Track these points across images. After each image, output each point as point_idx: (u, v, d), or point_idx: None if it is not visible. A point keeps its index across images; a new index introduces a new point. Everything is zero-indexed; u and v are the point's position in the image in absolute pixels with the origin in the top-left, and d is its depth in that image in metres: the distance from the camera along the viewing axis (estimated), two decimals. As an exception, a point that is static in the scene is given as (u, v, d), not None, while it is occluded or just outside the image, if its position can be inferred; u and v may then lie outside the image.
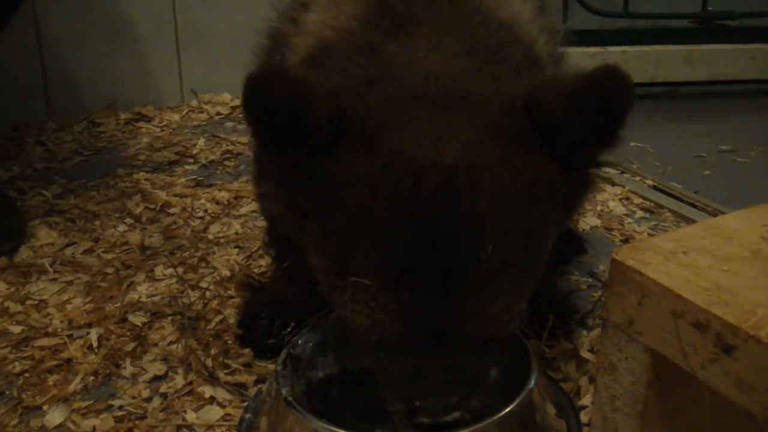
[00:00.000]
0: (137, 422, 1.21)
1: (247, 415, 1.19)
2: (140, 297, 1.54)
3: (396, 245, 0.90)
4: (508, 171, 0.93)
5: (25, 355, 1.37)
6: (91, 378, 1.32)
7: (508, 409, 1.04)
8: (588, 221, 1.89)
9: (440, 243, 0.90)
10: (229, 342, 1.39)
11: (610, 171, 2.19)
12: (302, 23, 1.22)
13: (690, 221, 1.90)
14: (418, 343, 0.95)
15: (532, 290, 1.02)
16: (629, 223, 1.91)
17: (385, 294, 0.92)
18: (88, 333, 1.42)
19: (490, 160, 0.93)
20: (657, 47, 2.87)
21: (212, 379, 1.29)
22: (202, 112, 2.69)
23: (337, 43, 1.11)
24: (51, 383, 1.30)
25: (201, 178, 2.14)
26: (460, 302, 0.92)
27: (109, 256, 1.71)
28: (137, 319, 1.46)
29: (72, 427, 1.21)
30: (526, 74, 1.08)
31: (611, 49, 2.81)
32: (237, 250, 1.74)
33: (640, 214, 1.97)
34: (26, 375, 1.32)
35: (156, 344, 1.40)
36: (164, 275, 1.63)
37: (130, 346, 1.39)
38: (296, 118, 0.92)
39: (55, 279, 1.61)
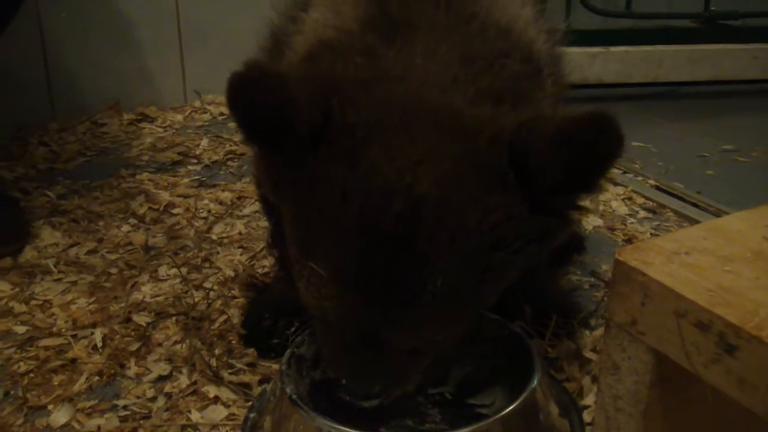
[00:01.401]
0: (142, 422, 1.22)
1: (252, 415, 1.19)
2: (144, 297, 1.55)
3: (352, 252, 0.94)
4: (478, 210, 0.94)
5: (30, 355, 1.38)
6: (96, 378, 1.32)
7: (511, 408, 1.04)
8: (590, 221, 1.89)
9: (393, 264, 0.92)
10: (233, 342, 1.39)
11: (612, 171, 2.19)
12: (302, 22, 1.22)
13: (692, 221, 1.91)
14: (351, 335, 1.00)
15: (476, 319, 1.07)
16: (632, 223, 1.91)
17: (333, 288, 0.96)
18: (92, 333, 1.43)
19: (462, 196, 0.94)
20: (659, 47, 2.87)
21: (216, 379, 1.29)
22: (205, 113, 2.70)
23: (337, 41, 1.12)
24: (56, 383, 1.31)
25: (204, 179, 2.14)
26: (397, 317, 0.96)
27: (113, 257, 1.71)
28: (141, 319, 1.47)
29: (77, 426, 1.21)
30: (523, 84, 1.08)
31: (613, 49, 2.81)
32: (240, 250, 1.74)
33: (642, 214, 1.97)
34: (31, 375, 1.33)
35: (160, 344, 1.40)
36: (168, 275, 1.63)
37: (134, 346, 1.39)
38: (278, 119, 0.94)
39: (59, 279, 1.62)
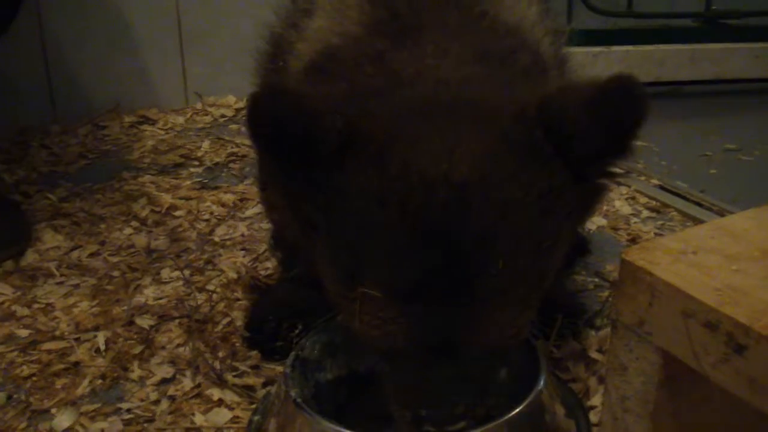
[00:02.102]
0: (145, 425, 1.22)
1: (256, 417, 1.19)
2: (147, 300, 1.54)
3: (406, 259, 0.90)
4: (520, 184, 0.92)
5: (33, 358, 1.37)
6: (99, 381, 1.32)
7: (517, 410, 1.04)
8: (594, 221, 1.88)
9: (451, 257, 0.89)
10: (237, 344, 1.39)
11: (615, 170, 2.18)
12: (304, 29, 1.21)
13: (696, 220, 1.90)
14: (426, 354, 0.94)
15: (540, 300, 1.01)
16: (635, 222, 1.91)
17: (395, 306, 0.91)
18: (95, 336, 1.42)
19: (502, 173, 0.92)
20: (661, 46, 2.87)
21: (220, 382, 1.29)
22: (207, 115, 2.69)
23: (343, 50, 1.10)
24: (59, 386, 1.31)
25: (206, 181, 2.14)
26: (470, 315, 0.92)
27: (115, 259, 1.71)
28: (144, 322, 1.47)
29: (80, 430, 1.21)
30: (535, 79, 1.08)
31: (615, 48, 2.80)
32: (243, 252, 1.74)
33: (646, 213, 1.96)
34: (34, 378, 1.32)
35: (163, 347, 1.40)
36: (171, 278, 1.63)
37: (137, 349, 1.39)
38: (302, 137, 0.91)
39: (61, 282, 1.62)
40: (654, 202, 2.02)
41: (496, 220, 0.90)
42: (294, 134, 0.91)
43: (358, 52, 1.08)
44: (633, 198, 2.05)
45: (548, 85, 1.10)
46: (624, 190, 2.09)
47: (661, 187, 2.11)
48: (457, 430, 0.99)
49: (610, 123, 0.92)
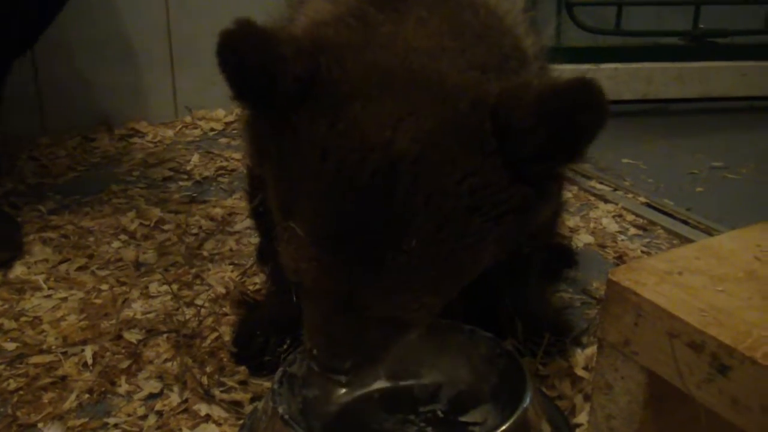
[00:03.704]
0: (133, 440, 1.22)
1: (243, 433, 1.19)
2: (135, 314, 1.54)
3: (330, 210, 0.95)
4: (456, 172, 0.94)
5: (20, 372, 1.37)
6: (86, 395, 1.31)
7: (503, 427, 1.04)
8: (581, 238, 1.89)
9: (369, 221, 0.93)
10: (225, 359, 1.39)
11: (603, 188, 2.20)
12: (304, 6, 1.24)
13: (683, 238, 1.91)
14: (331, 300, 1.00)
15: (454, 292, 1.06)
16: (622, 240, 1.92)
17: (311, 249, 0.97)
18: (82, 350, 1.42)
19: (441, 156, 0.94)
20: (649, 64, 2.89)
21: (208, 397, 1.29)
22: (196, 128, 2.70)
23: (333, 11, 1.12)
24: (46, 401, 1.30)
25: (195, 195, 2.14)
26: (372, 280, 0.96)
27: (103, 273, 1.71)
28: (132, 336, 1.46)
29: (67, 445, 1.21)
30: (509, 70, 1.08)
31: (603, 66, 2.82)
32: (232, 266, 1.74)
33: (633, 231, 1.97)
34: (21, 392, 1.32)
35: (151, 362, 1.40)
36: (159, 292, 1.63)
37: (125, 364, 1.39)
38: (265, 76, 0.96)
39: (49, 295, 1.61)
40: (641, 220, 2.03)
41: (421, 201, 0.93)
42: (256, 73, 0.96)
43: (346, 13, 1.10)
44: (620, 215, 2.06)
45: (528, 69, 1.12)
46: (611, 207, 2.10)
47: (648, 205, 2.12)
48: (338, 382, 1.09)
49: (557, 124, 0.91)
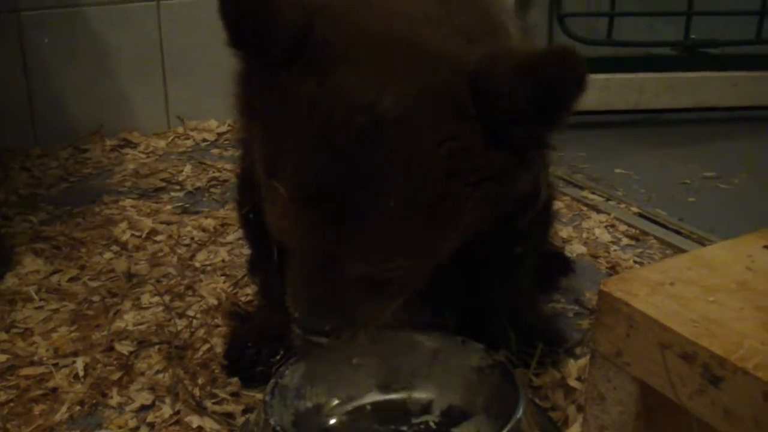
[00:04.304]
0: (124, 453, 1.21)
1: (235, 445, 1.19)
2: (127, 325, 1.54)
3: (312, 169, 0.98)
4: (436, 135, 0.98)
5: (11, 384, 1.36)
6: (78, 408, 1.31)
7: (496, 439, 1.04)
8: (574, 249, 1.89)
9: (350, 179, 0.97)
10: (217, 371, 1.39)
11: (595, 198, 2.20)
12: None
13: (675, 248, 1.91)
14: (312, 258, 1.03)
15: (428, 264, 1.09)
16: (615, 250, 1.92)
17: (293, 207, 1.00)
18: (74, 362, 1.42)
19: (422, 119, 0.98)
20: (640, 75, 2.89)
21: (200, 409, 1.28)
22: (188, 139, 2.69)
23: None
24: (37, 413, 1.30)
25: (187, 205, 2.13)
26: (351, 237, 0.99)
27: (95, 284, 1.70)
28: (124, 347, 1.46)
29: (58, 457, 1.20)
30: (497, 33, 1.13)
31: (595, 76, 2.82)
32: (224, 278, 1.73)
33: (625, 241, 1.97)
34: (11, 405, 1.31)
35: (143, 373, 1.39)
36: (151, 303, 1.62)
37: (116, 375, 1.38)
38: (262, 28, 1.00)
39: (40, 307, 1.61)
40: (633, 230, 2.03)
41: (401, 160, 0.97)
42: (254, 25, 1.00)
43: None
44: (612, 226, 2.06)
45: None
46: (604, 217, 2.10)
47: (641, 215, 2.12)
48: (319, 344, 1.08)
49: (537, 89, 0.95)
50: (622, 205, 2.18)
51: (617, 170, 2.47)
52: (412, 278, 1.08)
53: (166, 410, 1.29)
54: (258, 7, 1.00)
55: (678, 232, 2.02)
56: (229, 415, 1.27)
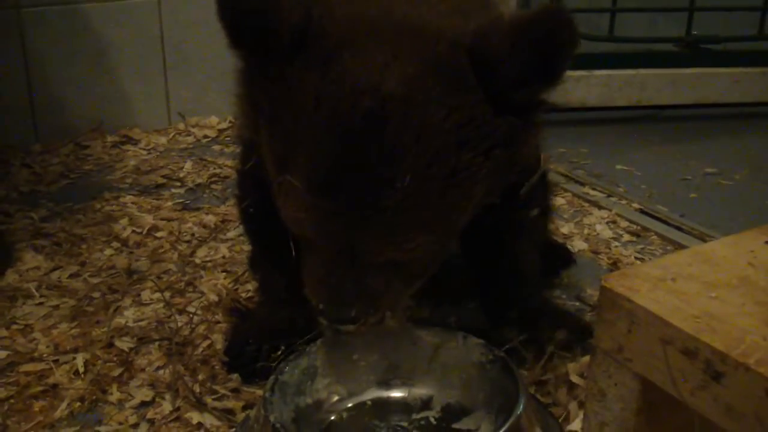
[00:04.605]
0: (124, 449, 1.21)
1: (235, 442, 1.18)
2: (127, 322, 1.54)
3: (324, 157, 1.00)
4: (441, 110, 1.00)
5: (11, 380, 1.36)
6: (78, 404, 1.31)
7: (497, 435, 1.04)
8: (575, 245, 1.89)
9: (363, 163, 0.98)
10: (217, 367, 1.38)
11: (596, 194, 2.19)
12: None
13: (676, 244, 1.91)
14: (330, 248, 1.05)
15: (447, 239, 1.12)
16: (616, 246, 1.91)
17: (308, 198, 1.01)
18: (74, 358, 1.41)
19: (426, 96, 1.00)
20: (642, 71, 2.88)
21: (200, 405, 1.28)
22: (189, 135, 2.68)
23: None
24: (37, 409, 1.30)
25: (188, 202, 2.13)
26: (370, 220, 1.00)
27: (95, 280, 1.70)
28: (124, 344, 1.46)
29: (58, 454, 1.20)
30: (491, 9, 1.16)
31: (596, 72, 2.82)
32: (224, 274, 1.73)
33: (626, 237, 1.97)
34: (11, 401, 1.31)
35: (143, 369, 1.39)
36: (151, 300, 1.62)
37: (116, 372, 1.38)
38: (262, 25, 1.02)
39: (41, 303, 1.60)
40: (634, 226, 2.02)
41: (411, 137, 0.98)
42: (253, 22, 1.02)
43: None
44: (614, 222, 2.05)
45: None
46: (605, 213, 2.10)
47: (642, 211, 2.12)
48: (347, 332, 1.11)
49: (532, 49, 0.98)
50: (624, 202, 2.18)
51: (618, 166, 2.47)
52: (431, 257, 1.11)
53: (167, 406, 1.29)
54: (257, 6, 1.01)
55: (679, 228, 2.02)
56: (230, 412, 1.27)
